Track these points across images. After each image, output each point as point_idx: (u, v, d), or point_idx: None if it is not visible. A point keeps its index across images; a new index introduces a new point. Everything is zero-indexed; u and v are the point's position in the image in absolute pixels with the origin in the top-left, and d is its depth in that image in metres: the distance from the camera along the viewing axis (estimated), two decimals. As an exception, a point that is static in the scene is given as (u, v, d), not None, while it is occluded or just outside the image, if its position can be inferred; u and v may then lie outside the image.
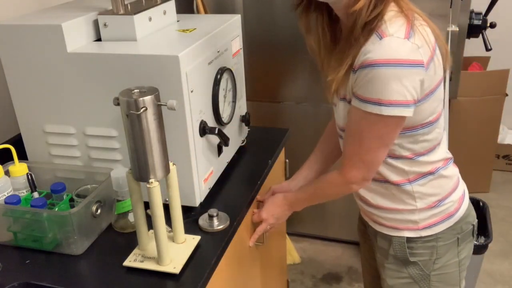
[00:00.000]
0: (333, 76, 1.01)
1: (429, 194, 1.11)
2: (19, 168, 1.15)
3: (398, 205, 1.12)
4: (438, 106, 1.05)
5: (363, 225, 1.31)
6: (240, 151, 1.45)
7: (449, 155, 1.16)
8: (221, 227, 1.10)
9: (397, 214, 1.13)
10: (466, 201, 1.18)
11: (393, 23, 0.94)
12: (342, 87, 1.02)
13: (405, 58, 0.91)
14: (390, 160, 1.08)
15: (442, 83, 1.05)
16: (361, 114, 0.97)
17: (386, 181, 1.11)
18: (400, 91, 0.92)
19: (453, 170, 1.16)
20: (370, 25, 0.93)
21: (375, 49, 0.92)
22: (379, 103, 0.93)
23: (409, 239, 1.13)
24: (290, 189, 1.31)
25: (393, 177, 1.10)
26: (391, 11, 0.95)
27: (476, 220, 1.19)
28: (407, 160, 1.07)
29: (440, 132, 1.10)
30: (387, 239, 1.16)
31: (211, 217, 1.11)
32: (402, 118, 0.97)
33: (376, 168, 1.06)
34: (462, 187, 1.19)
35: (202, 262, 1.01)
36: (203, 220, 1.12)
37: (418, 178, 1.09)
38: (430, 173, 1.10)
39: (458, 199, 1.14)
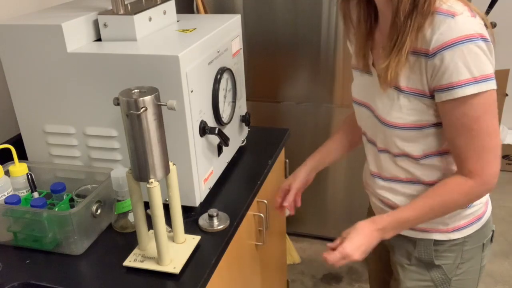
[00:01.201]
0: (387, 63, 0.94)
1: None
2: (19, 168, 1.15)
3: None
4: None
5: None
6: (240, 151, 1.45)
7: None
8: (221, 227, 1.10)
9: None
10: (490, 206, 1.15)
11: (453, 3, 0.90)
12: (402, 75, 0.95)
13: (482, 32, 0.88)
14: (427, 160, 1.02)
15: None
16: (472, 101, 0.90)
17: (418, 182, 1.06)
18: (490, 64, 0.91)
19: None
20: (419, 8, 0.88)
21: (453, 27, 0.87)
22: (486, 79, 0.90)
23: (436, 242, 1.09)
24: (306, 179, 1.25)
25: (427, 177, 1.04)
26: None
27: (494, 226, 1.16)
28: (445, 156, 1.02)
29: None
30: (412, 241, 1.11)
31: (211, 217, 1.11)
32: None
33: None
34: None
35: (202, 262, 1.01)
36: (203, 220, 1.12)
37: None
38: None
39: (485, 201, 1.11)
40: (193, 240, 1.05)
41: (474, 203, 1.07)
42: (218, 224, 1.10)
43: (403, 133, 1.00)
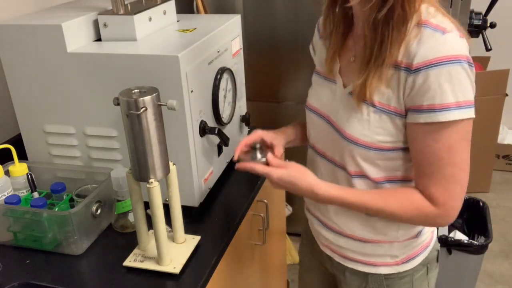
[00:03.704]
0: (364, 78, 0.86)
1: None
2: (19, 168, 1.15)
3: (379, 236, 0.99)
4: None
5: (314, 254, 1.17)
6: (240, 151, 1.44)
7: None
8: (263, 158, 0.98)
9: (375, 247, 1.01)
10: (435, 228, 1.10)
11: (442, 19, 0.85)
12: (378, 91, 0.87)
13: (469, 56, 0.83)
14: (387, 185, 0.95)
15: None
16: (450, 127, 0.83)
17: None
18: (472, 90, 0.84)
19: None
20: (394, 20, 0.82)
21: (442, 44, 0.81)
22: (469, 105, 0.83)
23: (387, 276, 1.02)
24: (281, 138, 1.09)
25: None
26: (430, 7, 0.86)
27: (439, 245, 1.11)
28: (400, 183, 0.95)
29: None
30: (361, 276, 1.04)
31: (254, 149, 1.00)
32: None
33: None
34: None
35: (202, 262, 1.01)
36: (243, 156, 1.00)
37: None
38: None
39: (432, 229, 1.07)
40: (193, 240, 1.05)
41: (423, 231, 1.02)
42: (263, 155, 0.99)
43: (366, 152, 0.91)
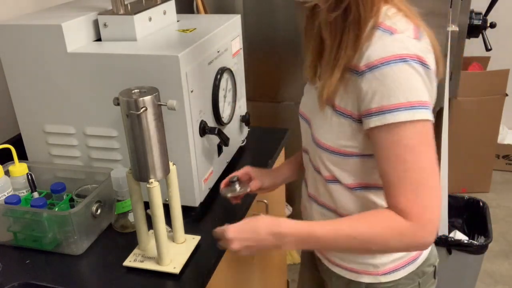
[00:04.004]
0: (324, 79, 0.86)
1: None
2: (19, 168, 1.15)
3: None
4: None
5: (311, 259, 1.15)
6: (240, 151, 1.45)
7: None
8: (242, 190, 1.08)
9: (356, 255, 0.98)
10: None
11: (398, 20, 0.82)
12: (337, 94, 0.85)
13: (422, 56, 0.78)
14: (361, 192, 0.92)
15: None
16: (406, 129, 0.78)
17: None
18: (426, 91, 0.79)
19: None
20: (348, 21, 0.81)
21: (388, 45, 0.78)
22: (422, 106, 0.77)
23: (368, 285, 0.99)
24: (271, 181, 1.13)
25: (356, 211, 0.93)
26: (391, 9, 0.83)
27: (438, 260, 1.05)
28: (377, 191, 0.91)
29: None
30: (344, 282, 1.02)
31: (232, 182, 1.09)
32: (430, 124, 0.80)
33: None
34: None
35: (202, 262, 1.01)
36: (224, 191, 1.10)
37: None
38: None
39: None
40: (193, 240, 1.05)
41: None
42: (241, 188, 1.08)
43: (332, 157, 0.90)
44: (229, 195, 1.09)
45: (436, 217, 0.79)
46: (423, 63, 0.78)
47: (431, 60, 0.81)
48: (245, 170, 1.12)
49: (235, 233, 0.88)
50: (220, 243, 0.91)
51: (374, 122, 0.79)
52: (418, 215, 0.78)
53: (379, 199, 0.92)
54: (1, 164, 1.14)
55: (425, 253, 1.01)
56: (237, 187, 1.09)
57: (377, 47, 0.79)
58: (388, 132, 0.78)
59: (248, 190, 1.09)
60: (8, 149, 1.12)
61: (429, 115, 0.78)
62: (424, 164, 0.79)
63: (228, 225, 0.89)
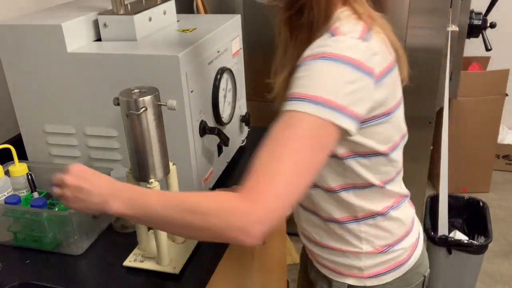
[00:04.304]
0: (274, 79, 0.85)
1: (377, 236, 0.95)
2: (19, 168, 1.15)
3: (342, 245, 0.96)
4: (393, 136, 0.89)
5: (306, 261, 1.15)
6: (240, 151, 1.45)
7: (404, 191, 1.00)
8: None
9: (341, 256, 0.98)
10: (420, 248, 1.02)
11: (347, 22, 0.80)
12: (284, 92, 0.81)
13: (358, 59, 0.75)
14: (337, 194, 0.91)
15: (401, 109, 0.89)
16: (292, 117, 0.73)
17: (329, 219, 0.95)
18: (347, 94, 0.74)
19: (406, 211, 0.99)
20: (300, 22, 0.81)
21: (324, 44, 0.76)
22: (322, 103, 0.72)
23: (350, 287, 0.98)
24: None
25: (338, 213, 0.93)
26: (345, 11, 0.82)
27: (429, 271, 1.05)
28: (357, 191, 0.91)
29: (393, 171, 0.93)
30: (328, 281, 1.01)
31: None
32: (341, 130, 0.75)
33: (295, 199, 0.72)
34: (416, 232, 1.02)
35: (202, 262, 1.01)
36: None
37: (367, 217, 0.94)
38: (379, 213, 0.94)
39: (410, 246, 0.99)
40: (193, 240, 1.05)
41: (394, 248, 0.96)
42: None
43: None
44: None
45: (275, 193, 0.69)
46: (359, 67, 0.75)
47: (375, 62, 0.78)
48: None
49: (79, 168, 0.82)
50: (56, 180, 0.82)
51: (283, 107, 0.75)
52: (253, 187, 0.70)
53: (359, 199, 0.92)
54: (1, 164, 1.14)
55: (413, 261, 1.00)
56: None
57: (314, 46, 0.78)
58: (284, 116, 0.74)
59: None
60: (8, 149, 1.12)
61: (328, 115, 0.72)
62: (297, 158, 0.72)
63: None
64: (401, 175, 0.98)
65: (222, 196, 0.72)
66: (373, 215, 0.94)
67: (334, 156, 0.87)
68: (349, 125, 0.75)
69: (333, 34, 0.78)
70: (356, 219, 0.94)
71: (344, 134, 0.76)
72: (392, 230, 0.96)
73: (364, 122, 0.81)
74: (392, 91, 0.84)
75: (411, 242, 1.00)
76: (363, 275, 0.98)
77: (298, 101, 0.73)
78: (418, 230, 1.04)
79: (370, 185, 0.91)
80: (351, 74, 0.74)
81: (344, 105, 0.73)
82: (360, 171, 0.89)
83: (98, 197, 0.79)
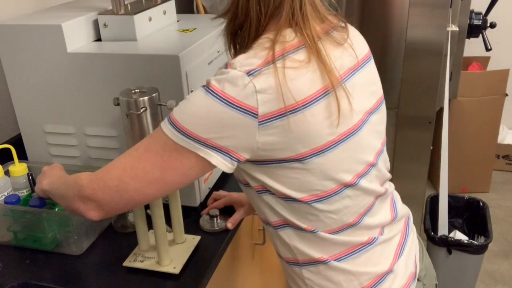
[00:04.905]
0: None
1: (323, 287, 0.87)
2: (19, 168, 1.15)
3: (294, 286, 0.92)
4: (316, 185, 0.79)
5: None
6: (240, 151, 1.44)
7: (364, 238, 0.86)
8: (222, 227, 1.10)
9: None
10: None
11: (253, 51, 0.76)
12: None
13: (231, 95, 0.72)
14: (274, 229, 0.87)
15: (335, 156, 0.78)
16: (156, 130, 0.79)
17: (279, 256, 0.92)
18: (211, 127, 0.73)
19: (363, 264, 0.86)
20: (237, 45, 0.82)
21: (215, 73, 0.76)
22: (172, 124, 0.75)
23: None
24: (242, 200, 1.12)
25: (282, 252, 0.90)
26: (267, 38, 0.78)
27: None
28: (290, 231, 0.85)
29: (330, 221, 0.83)
30: None
31: (212, 217, 1.11)
32: (203, 160, 0.76)
33: (115, 210, 0.83)
34: None
35: (202, 262, 1.01)
36: (204, 221, 1.12)
37: (308, 263, 0.86)
38: (319, 261, 0.85)
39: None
40: (193, 240, 1.05)
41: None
42: (220, 224, 1.10)
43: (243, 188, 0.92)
44: (206, 228, 1.10)
45: (102, 194, 0.81)
46: (230, 102, 0.72)
47: (258, 102, 0.72)
48: (226, 200, 1.14)
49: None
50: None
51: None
52: (90, 181, 0.83)
53: (297, 241, 0.86)
54: (1, 164, 1.14)
55: None
56: (216, 224, 1.10)
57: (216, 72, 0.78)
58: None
59: (227, 226, 1.08)
60: (8, 149, 1.12)
61: (191, 147, 0.74)
62: (130, 159, 0.80)
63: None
64: (362, 222, 0.86)
65: (74, 176, 0.87)
66: (315, 261, 0.86)
67: (249, 187, 0.86)
68: (212, 157, 0.75)
69: (226, 66, 0.77)
70: (297, 263, 0.88)
71: (211, 165, 0.77)
72: (339, 283, 0.86)
73: (260, 161, 0.78)
74: (298, 136, 0.75)
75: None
76: None
77: (167, 121, 0.77)
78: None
79: (303, 229, 0.84)
80: (219, 109, 0.73)
81: (205, 138, 0.74)
82: (282, 212, 0.83)
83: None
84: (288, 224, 0.85)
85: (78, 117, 1.16)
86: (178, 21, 1.33)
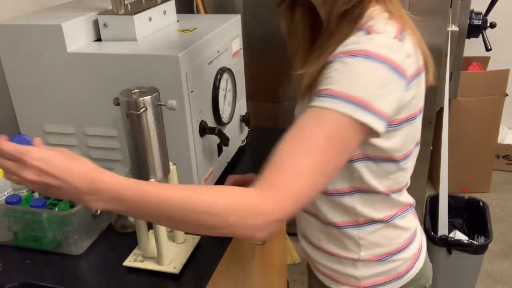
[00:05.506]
0: (306, 69, 0.82)
1: (377, 244, 0.93)
2: (19, 168, 1.14)
3: (340, 250, 0.95)
4: (408, 143, 0.86)
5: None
6: (240, 151, 1.45)
7: (410, 200, 0.97)
8: None
9: (338, 263, 0.96)
10: (422, 260, 0.99)
11: (381, 21, 0.78)
12: (314, 84, 0.79)
13: (393, 59, 0.74)
14: (336, 196, 0.89)
15: (421, 117, 0.88)
16: (319, 112, 0.72)
17: (329, 223, 0.93)
18: (381, 95, 0.72)
19: (410, 221, 0.97)
20: (350, 16, 0.78)
21: (360, 41, 0.75)
22: (353, 102, 0.70)
23: None
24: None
25: (338, 217, 0.92)
26: (377, 10, 0.80)
27: (430, 283, 1.02)
28: (363, 195, 0.89)
29: (401, 180, 0.91)
30: None
31: None
32: (369, 131, 0.73)
33: (310, 200, 0.73)
34: (419, 242, 0.99)
35: (202, 262, 1.01)
36: None
37: (368, 223, 0.91)
38: (382, 220, 0.92)
39: (411, 257, 0.96)
40: (193, 240, 1.05)
41: (393, 257, 0.94)
42: None
43: None
44: None
45: (291, 190, 0.69)
46: (395, 68, 0.74)
47: (408, 64, 0.77)
48: (243, 178, 1.12)
49: (41, 162, 0.67)
50: (10, 167, 0.68)
51: (312, 102, 0.74)
52: (271, 183, 0.70)
53: (363, 205, 0.90)
54: (1, 164, 1.14)
55: (413, 273, 0.98)
56: None
57: (348, 43, 0.76)
58: (313, 112, 0.73)
59: None
60: (8, 149, 1.12)
61: (366, 119, 0.71)
62: (316, 149, 0.71)
63: (35, 147, 0.69)
64: (408, 184, 0.95)
65: (238, 193, 0.69)
66: (375, 221, 0.92)
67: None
68: (379, 126, 0.73)
69: (368, 32, 0.76)
70: (358, 225, 0.92)
71: (370, 135, 0.75)
72: (392, 239, 0.94)
73: (389, 125, 0.79)
74: (418, 95, 0.82)
75: (412, 253, 0.97)
76: (360, 285, 0.96)
77: (330, 98, 0.71)
78: (420, 240, 1.01)
79: (375, 192, 0.89)
80: (386, 74, 0.73)
81: (376, 106, 0.72)
82: (367, 177, 0.87)
83: (71, 195, 0.69)
84: (359, 190, 0.89)
85: (78, 117, 1.16)
86: (178, 21, 1.33)
